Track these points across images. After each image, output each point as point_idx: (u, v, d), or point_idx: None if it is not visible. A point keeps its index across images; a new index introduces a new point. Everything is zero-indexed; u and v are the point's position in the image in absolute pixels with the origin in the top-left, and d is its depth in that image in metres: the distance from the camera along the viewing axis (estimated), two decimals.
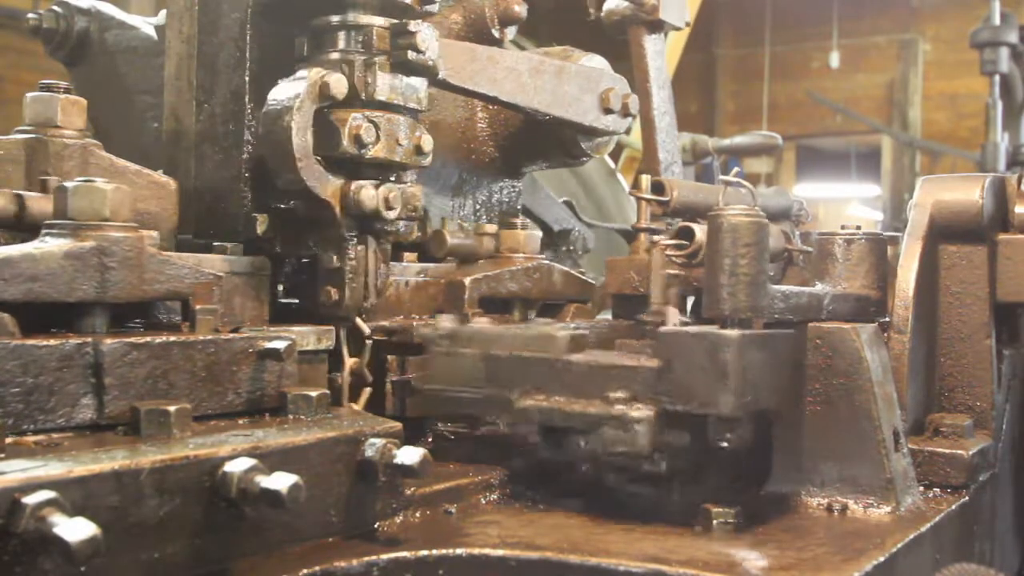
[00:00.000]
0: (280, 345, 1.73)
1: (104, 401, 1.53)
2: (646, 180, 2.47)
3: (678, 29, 3.14)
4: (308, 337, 1.96)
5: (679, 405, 1.71)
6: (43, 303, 1.55)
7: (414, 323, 2.25)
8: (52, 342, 1.50)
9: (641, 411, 1.73)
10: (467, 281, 2.38)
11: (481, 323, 2.08)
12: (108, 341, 1.55)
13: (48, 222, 1.64)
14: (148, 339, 1.59)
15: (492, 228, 2.69)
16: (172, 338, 1.63)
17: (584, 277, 2.74)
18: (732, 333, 1.68)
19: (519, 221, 2.64)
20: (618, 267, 2.58)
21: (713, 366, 1.67)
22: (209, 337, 1.68)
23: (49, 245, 1.57)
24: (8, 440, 1.40)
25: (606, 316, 2.76)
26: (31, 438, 1.45)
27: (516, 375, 1.89)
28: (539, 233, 2.68)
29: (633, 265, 2.54)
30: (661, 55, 3.10)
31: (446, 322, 2.10)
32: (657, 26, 3.07)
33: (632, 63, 3.04)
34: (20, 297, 1.52)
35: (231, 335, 1.73)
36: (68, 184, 1.64)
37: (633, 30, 3.06)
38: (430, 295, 2.46)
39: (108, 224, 1.63)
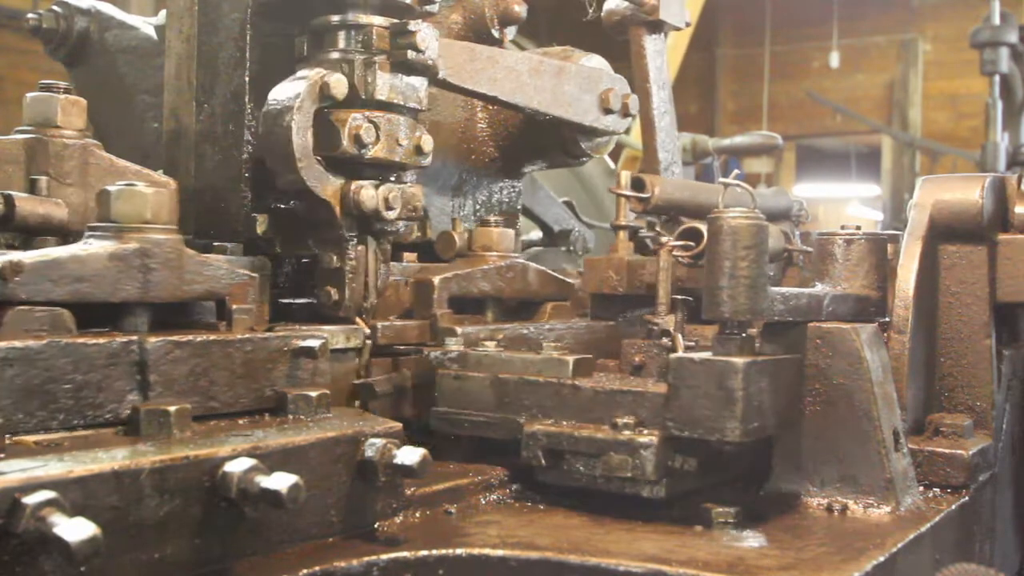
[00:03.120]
0: (315, 343, 1.77)
1: (149, 397, 1.56)
2: (625, 176, 2.46)
3: (678, 29, 3.13)
4: (338, 336, 1.99)
5: (686, 431, 1.74)
6: (87, 303, 1.58)
7: (431, 348, 2.21)
8: (101, 340, 1.53)
9: (647, 436, 1.76)
10: (436, 280, 2.31)
11: (490, 347, 2.09)
12: (152, 339, 1.58)
13: (91, 224, 1.67)
14: (190, 337, 1.63)
15: None
16: (212, 337, 1.67)
17: (561, 276, 2.68)
18: (739, 360, 1.71)
19: (493, 219, 2.58)
20: (597, 266, 2.54)
21: (720, 393, 1.70)
22: (247, 335, 1.72)
23: (94, 247, 1.61)
24: (61, 435, 1.44)
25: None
26: (81, 432, 1.48)
27: (523, 399, 1.93)
28: (513, 231, 2.62)
29: (612, 264, 2.51)
30: (661, 55, 3.09)
31: (454, 345, 2.10)
32: (657, 26, 3.06)
33: (632, 63, 3.04)
34: (67, 297, 1.56)
35: (267, 334, 1.77)
36: (111, 188, 1.67)
37: (633, 30, 3.06)
38: None
39: (150, 227, 1.66)
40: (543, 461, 1.86)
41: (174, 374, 1.60)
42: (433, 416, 2.04)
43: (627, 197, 2.45)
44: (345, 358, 2.02)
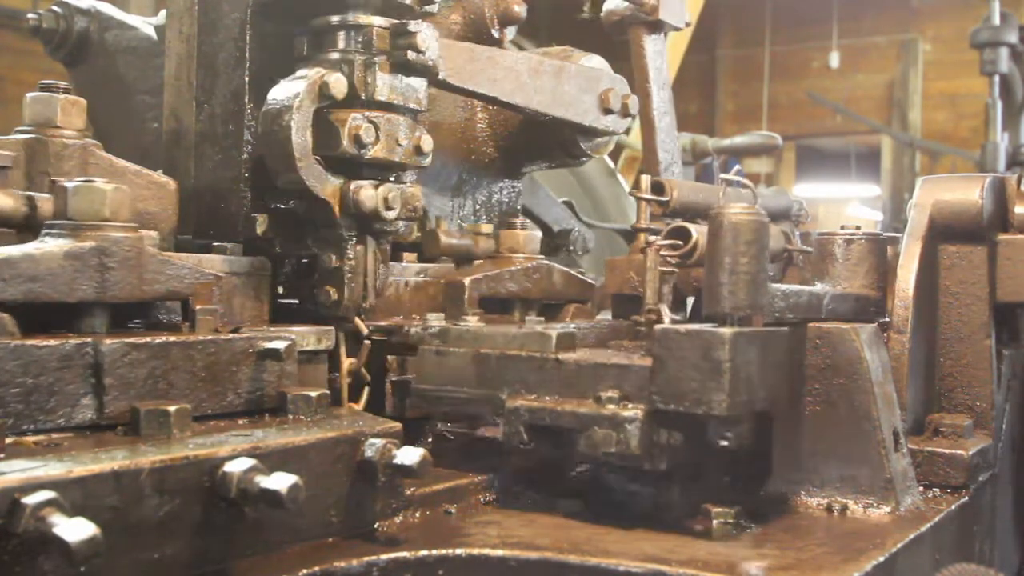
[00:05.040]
0: (280, 345, 1.73)
1: (104, 401, 1.53)
2: (646, 180, 2.47)
3: (678, 29, 3.13)
4: (308, 337, 1.95)
5: (671, 404, 1.69)
6: (43, 303, 1.55)
7: (412, 324, 2.23)
8: (52, 342, 1.50)
9: (632, 411, 1.72)
10: (467, 281, 2.37)
11: (471, 321, 2.07)
12: (108, 341, 1.55)
13: (48, 222, 1.64)
14: (148, 339, 1.59)
15: (488, 228, 2.68)
16: (172, 338, 1.63)
17: (584, 277, 2.74)
18: (726, 331, 1.66)
19: (519, 221, 2.64)
20: (618, 267, 2.57)
21: (706, 364, 1.65)
22: (209, 337, 1.68)
23: (49, 245, 1.57)
24: (8, 440, 1.40)
25: (606, 316, 2.76)
26: (31, 438, 1.45)
27: (505, 374, 1.90)
28: (539, 233, 2.67)
29: (633, 265, 2.53)
30: (661, 55, 3.09)
31: (435, 320, 2.09)
32: (657, 26, 3.06)
33: (632, 63, 3.04)
34: (20, 297, 1.52)
35: (231, 335, 1.73)
36: (68, 184, 1.64)
37: (633, 30, 3.06)
38: (430, 295, 2.45)
39: (108, 224, 1.63)
40: (525, 437, 1.81)
41: (131, 377, 1.56)
42: (413, 393, 2.02)
43: (648, 201, 2.46)
44: (317, 360, 1.98)
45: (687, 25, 3.19)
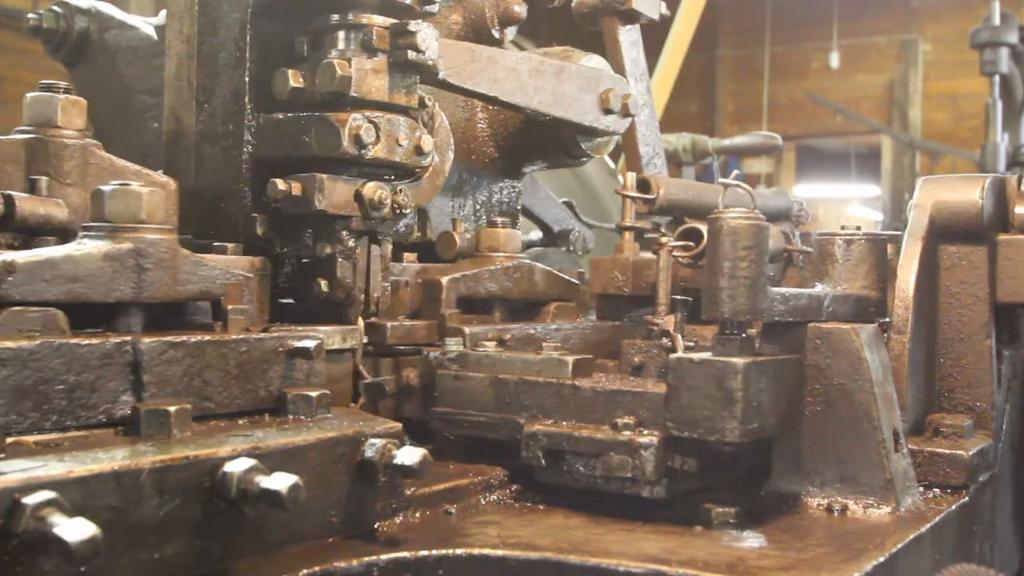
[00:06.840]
0: (310, 344, 1.77)
1: (143, 398, 1.56)
2: (631, 178, 2.47)
3: (653, 20, 3.06)
4: (334, 336, 1.98)
5: (685, 431, 1.73)
6: (81, 303, 1.58)
7: (431, 349, 2.21)
8: (94, 341, 1.52)
9: (647, 437, 1.76)
10: (444, 281, 2.33)
11: (489, 347, 2.09)
12: (147, 340, 1.58)
13: (85, 224, 1.66)
14: (184, 338, 1.62)
15: None
16: (207, 337, 1.66)
17: (567, 277, 2.71)
18: (739, 361, 1.70)
19: (500, 220, 2.60)
20: (602, 266, 2.55)
21: (719, 394, 1.70)
22: (242, 336, 1.71)
23: (88, 247, 1.60)
24: (53, 436, 1.43)
25: (591, 317, 2.74)
26: (73, 434, 1.48)
27: (523, 399, 1.94)
28: (519, 232, 2.63)
29: (617, 264, 2.51)
30: (637, 46, 3.03)
31: (454, 345, 2.10)
32: (631, 16, 2.99)
33: (606, 55, 2.95)
34: (62, 297, 1.55)
35: (262, 334, 1.76)
36: (105, 188, 1.67)
37: (606, 21, 2.98)
38: None
39: (144, 226, 1.66)
40: (543, 461, 1.86)
41: (168, 375, 1.59)
42: (433, 416, 2.05)
43: (633, 198, 2.46)
44: (341, 359, 2.01)
45: (663, 15, 3.10)
